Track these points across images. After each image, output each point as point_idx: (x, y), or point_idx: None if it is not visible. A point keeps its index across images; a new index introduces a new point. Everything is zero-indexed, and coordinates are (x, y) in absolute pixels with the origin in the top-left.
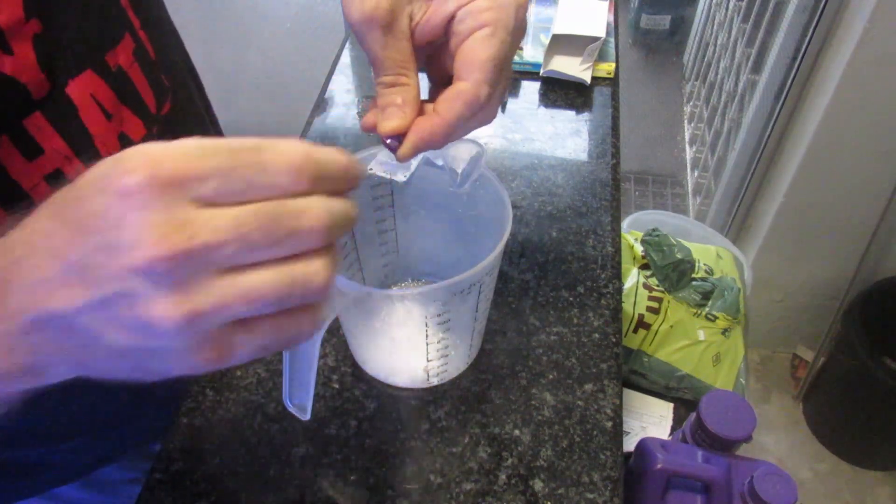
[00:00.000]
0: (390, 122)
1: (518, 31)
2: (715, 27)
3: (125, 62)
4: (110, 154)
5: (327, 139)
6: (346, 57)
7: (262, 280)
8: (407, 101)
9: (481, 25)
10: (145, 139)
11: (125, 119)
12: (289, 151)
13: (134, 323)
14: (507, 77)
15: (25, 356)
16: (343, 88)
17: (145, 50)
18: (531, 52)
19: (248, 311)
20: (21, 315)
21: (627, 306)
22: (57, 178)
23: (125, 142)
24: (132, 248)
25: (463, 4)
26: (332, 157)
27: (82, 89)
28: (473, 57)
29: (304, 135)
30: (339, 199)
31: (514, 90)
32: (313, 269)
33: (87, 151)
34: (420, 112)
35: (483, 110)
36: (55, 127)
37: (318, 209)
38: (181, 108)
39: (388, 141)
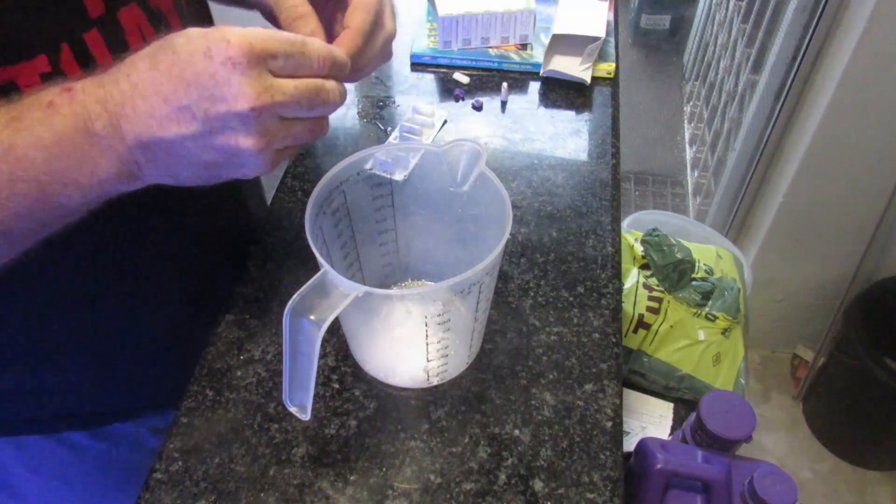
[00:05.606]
0: (306, 27)
1: None
2: (715, 27)
3: (165, 6)
4: None
5: (326, 139)
6: None
7: (306, 126)
8: (314, 30)
9: None
10: None
11: None
12: (323, 47)
13: (227, 148)
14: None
15: (130, 166)
16: None
17: (181, 3)
18: (531, 52)
19: (296, 141)
20: (132, 138)
21: (627, 306)
22: None
23: None
24: (236, 100)
25: None
26: (340, 52)
27: (130, 18)
28: None
29: None
30: (340, 83)
31: (514, 90)
32: (334, 93)
33: None
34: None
35: (383, 32)
36: (108, 46)
37: (336, 88)
38: None
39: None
